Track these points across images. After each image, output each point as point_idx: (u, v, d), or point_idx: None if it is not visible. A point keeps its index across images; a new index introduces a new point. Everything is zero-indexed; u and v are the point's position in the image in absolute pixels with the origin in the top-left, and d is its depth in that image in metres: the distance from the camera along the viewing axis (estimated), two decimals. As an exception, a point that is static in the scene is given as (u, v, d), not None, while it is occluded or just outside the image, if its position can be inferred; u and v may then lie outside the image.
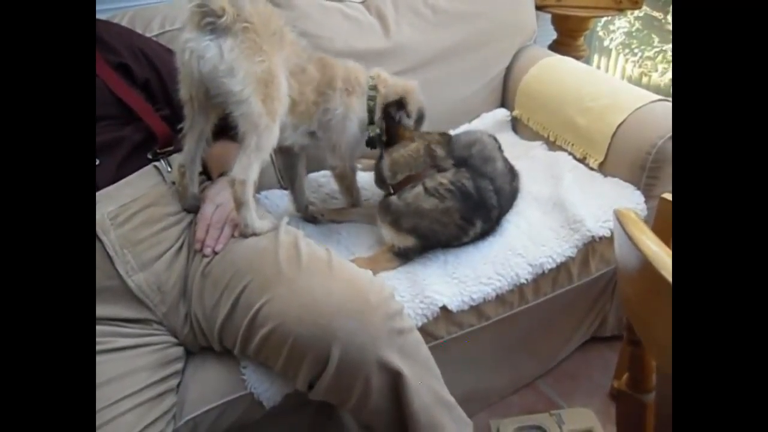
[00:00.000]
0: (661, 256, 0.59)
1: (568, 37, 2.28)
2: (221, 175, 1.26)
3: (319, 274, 1.07)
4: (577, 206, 1.47)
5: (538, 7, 2.14)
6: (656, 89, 2.56)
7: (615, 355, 1.65)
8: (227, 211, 1.16)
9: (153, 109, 1.24)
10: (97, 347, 1.02)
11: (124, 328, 1.08)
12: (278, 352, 1.03)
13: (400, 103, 1.37)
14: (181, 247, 1.17)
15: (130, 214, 1.11)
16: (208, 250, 1.13)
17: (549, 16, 2.25)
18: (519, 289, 1.38)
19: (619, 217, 0.68)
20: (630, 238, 0.64)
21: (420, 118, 1.42)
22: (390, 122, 1.36)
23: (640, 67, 2.66)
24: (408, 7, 1.83)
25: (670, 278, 0.57)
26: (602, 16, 2.39)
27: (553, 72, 1.87)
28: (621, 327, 1.70)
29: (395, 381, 1.03)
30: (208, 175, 1.31)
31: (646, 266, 0.60)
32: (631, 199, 1.50)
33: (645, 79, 2.66)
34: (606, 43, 2.74)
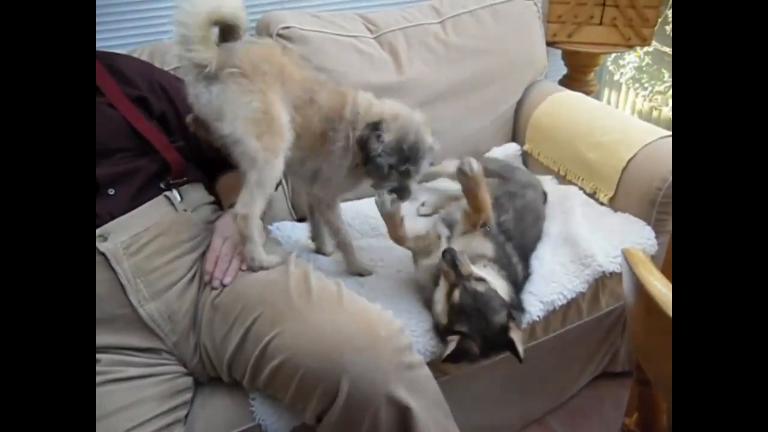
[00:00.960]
0: (669, 297, 0.60)
1: (579, 73, 2.31)
2: (231, 206, 1.28)
3: (330, 308, 1.07)
4: (587, 241, 1.47)
5: (549, 43, 2.17)
6: (666, 124, 2.57)
7: (626, 391, 1.61)
8: (235, 244, 1.18)
9: (168, 140, 1.26)
10: (106, 376, 1.03)
11: (133, 357, 1.09)
12: (288, 385, 1.03)
13: (375, 126, 1.20)
14: (193, 277, 1.18)
15: (142, 243, 1.13)
16: (216, 283, 1.14)
17: (560, 51, 2.28)
18: (530, 326, 1.37)
19: (627, 256, 0.69)
20: (637, 278, 0.64)
21: (401, 151, 1.20)
22: (361, 148, 1.20)
23: (650, 101, 2.67)
24: (420, 43, 1.86)
25: (677, 320, 0.57)
26: (612, 53, 2.41)
27: (563, 107, 1.89)
28: (632, 363, 1.67)
29: (404, 416, 1.02)
30: (221, 205, 1.32)
31: (654, 307, 0.61)
32: (641, 235, 1.50)
33: (655, 114, 2.67)
34: (616, 77, 2.76)
